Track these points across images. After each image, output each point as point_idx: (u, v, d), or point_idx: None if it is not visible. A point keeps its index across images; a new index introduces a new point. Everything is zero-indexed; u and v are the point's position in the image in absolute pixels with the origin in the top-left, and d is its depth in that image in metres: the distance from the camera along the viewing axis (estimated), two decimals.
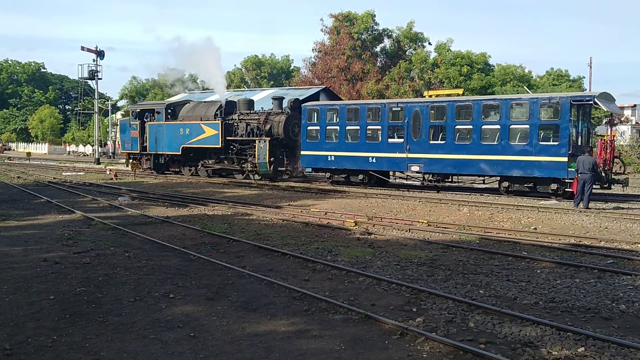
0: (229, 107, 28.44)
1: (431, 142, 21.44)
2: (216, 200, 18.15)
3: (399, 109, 22.53)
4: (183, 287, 7.79)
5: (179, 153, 29.19)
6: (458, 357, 5.33)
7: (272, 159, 25.66)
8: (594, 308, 6.93)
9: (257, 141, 26.05)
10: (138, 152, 31.32)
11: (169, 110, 30.09)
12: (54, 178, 27.75)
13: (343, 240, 11.61)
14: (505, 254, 10.09)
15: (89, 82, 53.99)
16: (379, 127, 23.01)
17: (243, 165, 27.36)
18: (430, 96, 22.94)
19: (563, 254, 10.26)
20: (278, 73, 72.40)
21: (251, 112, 27.93)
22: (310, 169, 26.07)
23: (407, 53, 56.74)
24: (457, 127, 20.88)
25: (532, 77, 61.63)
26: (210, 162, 28.73)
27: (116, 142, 61.88)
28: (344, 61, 54.32)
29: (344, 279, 8.30)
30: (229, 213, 15.59)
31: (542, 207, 16.65)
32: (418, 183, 23.48)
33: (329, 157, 24.22)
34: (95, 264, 9.10)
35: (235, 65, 78.76)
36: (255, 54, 72.77)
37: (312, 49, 59.01)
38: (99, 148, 52.95)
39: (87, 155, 67.08)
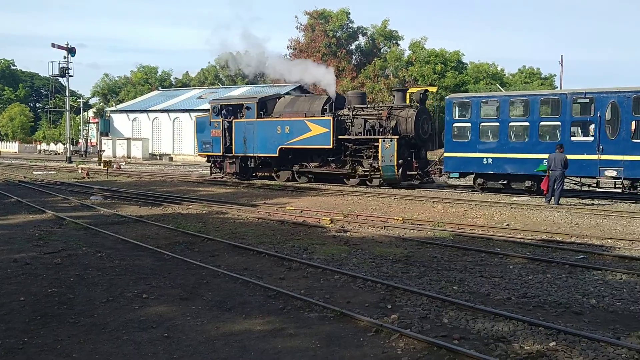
0: (338, 101, 24.57)
1: (634, 140, 17.64)
2: (190, 199, 18.01)
3: (587, 100, 18.91)
4: (157, 287, 7.72)
5: (276, 155, 24.72)
6: (432, 353, 5.37)
7: (400, 161, 21.77)
8: (565, 303, 7.04)
9: (380, 140, 22.05)
10: (221, 154, 26.48)
11: (262, 106, 25.84)
12: (25, 177, 27.27)
13: (319, 238, 11.61)
14: (479, 250, 10.21)
15: (60, 79, 53.21)
16: (558, 123, 19.10)
17: (357, 169, 23.40)
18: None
19: (535, 250, 10.41)
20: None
21: (368, 106, 24.33)
22: (457, 174, 21.53)
23: (382, 51, 56.99)
24: None
25: (505, 74, 62.44)
26: (312, 165, 24.51)
27: (88, 140, 61.10)
28: (319, 59, 54.26)
29: (320, 277, 8.31)
30: (204, 212, 15.49)
31: (514, 204, 16.88)
32: (613, 190, 19.78)
33: (484, 159, 20.12)
34: (67, 264, 8.97)
35: (209, 62, 78.09)
36: (230, 51, 72.34)
37: (287, 47, 58.98)
38: (71, 146, 52.20)
39: (59, 153, 66.03)
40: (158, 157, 50.91)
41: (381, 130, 22.46)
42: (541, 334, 5.82)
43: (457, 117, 21.15)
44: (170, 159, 49.96)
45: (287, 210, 15.65)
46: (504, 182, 19.95)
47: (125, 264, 9.06)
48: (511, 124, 20.06)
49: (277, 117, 24.98)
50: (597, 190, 19.75)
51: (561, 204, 16.54)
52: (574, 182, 19.94)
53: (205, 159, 28.81)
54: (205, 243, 11.01)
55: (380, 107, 23.65)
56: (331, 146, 23.11)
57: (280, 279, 8.26)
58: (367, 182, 22.97)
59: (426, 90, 24.67)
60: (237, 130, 25.89)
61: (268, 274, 8.56)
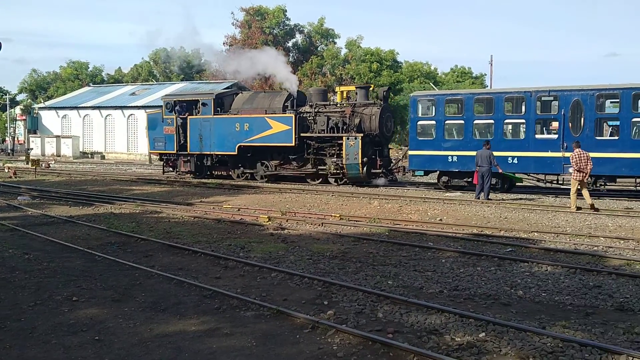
0: (299, 98, 23.89)
1: (598, 138, 18.03)
2: (124, 198, 17.55)
3: (551, 98, 19.14)
4: (87, 289, 7.50)
5: (234, 153, 23.90)
6: (367, 347, 5.46)
7: (364, 159, 21.45)
8: (494, 294, 7.30)
9: (344, 138, 21.65)
10: (175, 152, 25.41)
11: (218, 102, 24.86)
12: None
13: (256, 236, 11.57)
14: (413, 245, 10.43)
15: None
16: (522, 121, 19.45)
17: (320, 168, 22.94)
18: (348, 92, 22.54)
19: (466, 244, 10.73)
20: (188, 66, 70.81)
21: (330, 103, 23.94)
22: (422, 172, 21.45)
23: (318, 49, 57.23)
24: (636, 119, 17.79)
25: (438, 74, 63.96)
26: (272, 163, 23.81)
27: (16, 139, 58.45)
28: None
29: (257, 275, 8.28)
30: (137, 211, 15.13)
31: (447, 199, 17.34)
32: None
33: (449, 157, 20.02)
34: None
35: (143, 58, 76.28)
36: (164, 47, 70.88)
37: (224, 43, 58.29)
38: None
39: None
40: (89, 156, 49.30)
41: (345, 127, 22.09)
42: (471, 325, 6.01)
43: (421, 115, 21.07)
44: (103, 157, 48.48)
45: (224, 208, 15.50)
46: (469, 180, 19.67)
47: (55, 266, 8.75)
48: (476, 121, 20.22)
49: (235, 114, 24.22)
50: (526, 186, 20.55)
51: (491, 199, 17.11)
52: (536, 179, 20.32)
53: (158, 157, 27.66)
54: (138, 243, 10.77)
55: (343, 104, 23.34)
56: (293, 144, 22.51)
57: (216, 278, 8.18)
58: (330, 180, 22.65)
59: (389, 88, 24.54)
60: (192, 128, 24.85)
61: (204, 273, 8.46)
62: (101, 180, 25.04)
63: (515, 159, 18.94)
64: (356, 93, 23.84)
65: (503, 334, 5.74)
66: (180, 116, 25.17)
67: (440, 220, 13.65)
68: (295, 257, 9.45)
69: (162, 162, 27.29)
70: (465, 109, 20.17)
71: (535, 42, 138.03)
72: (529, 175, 20.04)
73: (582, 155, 15.35)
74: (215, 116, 24.32)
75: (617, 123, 18.22)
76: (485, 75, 62.49)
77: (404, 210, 15.33)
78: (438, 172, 20.83)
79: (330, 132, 22.29)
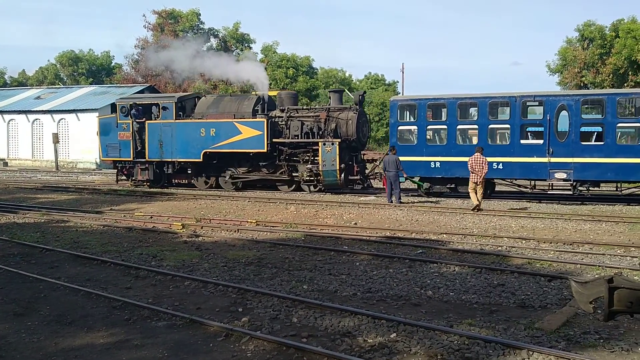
0: (264, 103, 22.81)
1: (584, 143, 18.04)
2: (27, 207, 16.65)
3: (536, 103, 19.07)
4: None
5: (199, 160, 22.53)
6: (281, 352, 5.47)
7: (342, 165, 20.61)
8: (405, 295, 7.51)
9: (320, 144, 20.76)
10: (131, 159, 23.71)
11: (180, 106, 23.32)
12: None
13: (169, 244, 11.31)
14: (328, 249, 10.55)
15: None
16: (507, 126, 19.11)
17: (293, 174, 21.99)
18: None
19: (379, 246, 10.97)
20: (98, 70, 68.34)
21: (303, 107, 23.02)
22: (402, 179, 20.23)
23: (234, 53, 56.80)
24: (620, 124, 17.89)
25: (353, 80, 65.14)
26: (240, 170, 22.69)
27: None
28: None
29: (169, 284, 8.10)
30: (43, 220, 14.41)
31: (362, 203, 17.67)
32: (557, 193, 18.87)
33: (431, 163, 19.52)
34: None
35: (48, 60, 72.84)
36: (72, 49, 68.02)
37: (135, 46, 56.75)
38: None
39: None
40: None
41: (320, 133, 21.27)
42: (383, 326, 6.15)
43: (402, 120, 20.62)
44: (5, 163, 45.73)
45: (136, 216, 15.05)
46: (452, 186, 19.61)
47: None
48: (459, 126, 19.78)
49: (200, 119, 22.82)
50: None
51: (402, 202, 17.61)
52: (518, 185, 20.02)
53: (112, 164, 25.63)
54: (43, 254, 10.26)
55: (317, 108, 22.52)
56: (265, 150, 21.45)
57: (126, 288, 7.93)
58: (303, 187, 21.84)
59: (364, 92, 23.88)
60: (151, 133, 23.23)
61: (113, 284, 8.18)
62: (3, 188, 23.60)
63: (500, 164, 18.62)
64: (329, 97, 22.93)
65: (413, 333, 5.92)
66: (138, 120, 23.48)
67: (355, 224, 13.90)
68: (209, 265, 9.32)
69: (115, 170, 25.41)
70: (448, 113, 19.76)
71: (445, 51, 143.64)
72: (512, 182, 19.81)
73: (478, 159, 16.37)
74: (178, 121, 22.89)
75: (600, 129, 18.37)
76: (398, 82, 64.31)
77: (320, 214, 15.47)
78: (418, 178, 20.23)
79: (304, 138, 21.41)
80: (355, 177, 21.31)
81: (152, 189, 22.56)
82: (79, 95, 46.52)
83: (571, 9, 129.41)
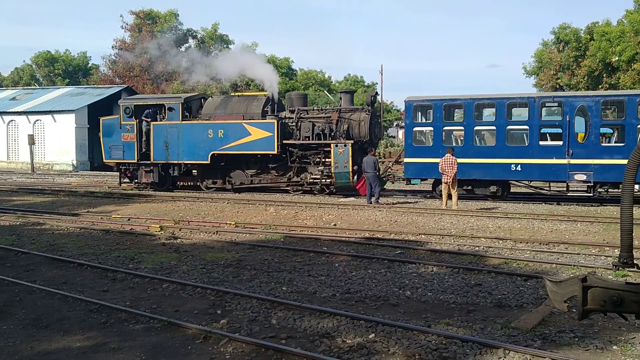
0: (274, 103, 22.49)
1: (604, 144, 18.14)
2: (2, 210, 16.38)
3: (556, 104, 19.04)
4: None
5: (207, 162, 22.10)
6: (260, 354, 5.46)
7: (355, 167, 20.23)
8: (383, 296, 7.54)
9: (332, 145, 20.44)
10: (135, 161, 23.21)
11: (186, 106, 22.88)
12: None
13: (147, 246, 11.22)
14: (307, 251, 10.55)
15: None
16: (526, 127, 18.94)
17: (305, 176, 21.62)
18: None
19: (359, 247, 11.01)
20: (74, 70, 67.56)
21: (313, 108, 22.64)
22: (418, 181, 20.49)
23: (212, 54, 56.56)
24: None
25: (332, 82, 65.26)
26: (249, 172, 22.35)
27: None
28: (146, 60, 52.48)
29: (147, 287, 8.03)
30: (18, 223, 14.20)
31: (341, 204, 17.71)
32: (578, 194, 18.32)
33: None
34: None
35: (24, 61, 71.80)
36: (48, 50, 67.12)
37: (112, 47, 56.26)
38: None
39: None
40: None
41: (331, 134, 20.97)
42: (362, 327, 6.18)
43: (417, 121, 20.28)
44: None
45: (113, 218, 14.90)
46: (468, 188, 19.29)
47: None
48: (477, 127, 19.58)
49: (207, 120, 22.36)
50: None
51: (381, 203, 17.69)
52: (534, 187, 19.94)
53: (115, 166, 24.79)
54: (19, 257, 10.11)
55: (328, 109, 22.12)
56: (275, 152, 21.05)
57: (103, 291, 7.84)
58: (314, 189, 21.43)
59: (376, 92, 23.66)
60: (156, 134, 22.72)
61: (90, 287, 8.09)
62: None
63: (519, 166, 18.38)
64: (340, 98, 22.68)
65: (391, 334, 5.95)
66: (143, 122, 23.01)
67: (335, 225, 13.92)
68: (188, 267, 9.27)
69: (119, 173, 24.72)
70: (465, 114, 19.45)
71: (423, 53, 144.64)
72: (529, 184, 19.60)
73: (448, 160, 16.79)
74: (184, 122, 22.41)
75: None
76: (377, 83, 64.60)
77: (299, 216, 15.47)
78: (434, 180, 19.95)
79: (316, 139, 21.03)
80: None
81: (130, 192, 22.33)
82: (55, 96, 45.89)
83: (547, 12, 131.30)
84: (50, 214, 15.62)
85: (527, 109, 18.80)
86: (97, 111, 41.67)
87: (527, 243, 11.27)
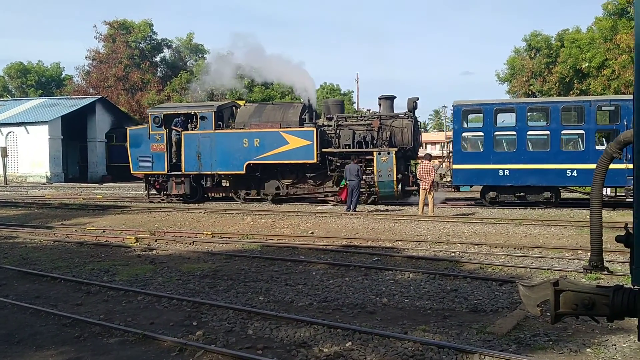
0: (311, 111, 22.10)
1: None
2: None
3: (613, 108, 18.44)
4: None
5: (242, 172, 21.46)
6: None
7: (399, 175, 19.90)
8: (360, 304, 7.55)
9: (375, 153, 19.99)
10: (165, 172, 22.46)
11: (219, 115, 22.16)
12: None
13: (122, 258, 11.08)
14: (285, 259, 10.52)
15: None
16: (581, 132, 18.63)
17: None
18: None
19: (336, 255, 11.01)
20: (47, 81, 66.69)
21: (352, 115, 22.13)
22: (468, 187, 20.32)
23: (188, 64, 56.36)
24: None
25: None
26: (285, 182, 21.77)
27: None
28: (121, 70, 52.05)
29: (122, 300, 7.93)
30: None
31: (318, 212, 17.72)
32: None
33: (500, 171, 18.80)
34: None
35: None
36: (20, 61, 66.16)
37: (86, 57, 55.68)
38: None
39: None
40: None
41: (373, 142, 20.55)
42: (339, 335, 6.17)
43: (467, 126, 19.94)
44: None
45: (88, 230, 14.72)
46: (520, 194, 19.01)
47: None
48: (530, 132, 19.19)
49: (241, 128, 21.75)
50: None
51: (358, 211, 17.74)
52: (587, 193, 19.29)
53: (143, 178, 23.94)
54: None
55: (367, 116, 21.50)
56: (315, 160, 20.55)
57: (77, 305, 7.72)
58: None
59: (418, 98, 22.82)
60: (188, 144, 22.00)
61: (63, 301, 7.96)
62: None
63: (575, 171, 17.95)
64: (379, 104, 22.06)
65: (368, 341, 5.95)
66: (174, 131, 22.29)
67: (312, 233, 13.92)
68: (163, 279, 9.17)
69: (146, 184, 23.61)
70: (517, 119, 18.92)
71: (398, 62, 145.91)
72: (584, 189, 19.07)
73: (425, 167, 16.92)
74: (218, 131, 21.72)
75: None
76: (353, 92, 64.95)
77: (276, 225, 15.44)
78: (482, 187, 19.86)
79: (356, 147, 20.55)
80: (412, 188, 20.41)
81: (105, 203, 22.05)
82: (28, 107, 45.26)
83: (519, 20, 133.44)
84: (23, 227, 15.36)
85: (583, 113, 18.36)
86: (70, 122, 41.30)
87: (502, 248, 11.38)
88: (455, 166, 19.64)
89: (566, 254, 10.60)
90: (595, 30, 42.26)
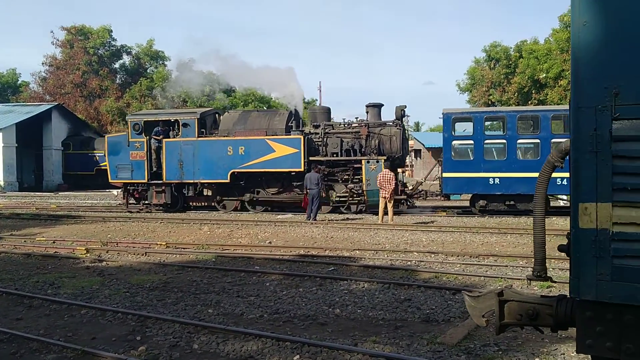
0: (298, 118, 21.62)
1: None
2: None
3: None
4: None
5: (226, 181, 20.93)
6: None
7: None
8: (312, 315, 7.39)
9: (363, 161, 19.68)
10: (145, 181, 21.75)
11: (202, 122, 21.55)
12: None
13: (70, 270, 10.70)
14: (239, 270, 10.31)
15: None
16: None
17: (331, 194, 20.57)
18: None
19: (292, 265, 10.85)
20: (3, 88, 64.81)
21: (339, 123, 21.50)
22: (458, 196, 20.06)
23: (148, 71, 55.52)
24: None
25: (272, 98, 65.04)
26: (270, 191, 21.23)
27: None
28: (79, 76, 50.97)
29: (64, 314, 7.60)
30: None
31: (278, 221, 17.52)
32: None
33: (490, 179, 18.71)
34: None
35: None
36: None
37: (43, 63, 54.34)
38: None
39: None
40: None
41: (361, 150, 20.19)
42: (287, 348, 6.00)
43: (456, 134, 19.72)
44: None
45: (37, 241, 14.21)
46: (510, 203, 18.90)
47: None
48: (520, 140, 19.12)
49: (225, 136, 21.22)
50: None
51: (317, 220, 17.61)
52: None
53: (121, 187, 23.02)
54: None
55: (355, 124, 21.12)
56: (302, 169, 19.94)
57: (17, 319, 7.38)
58: (342, 208, 20.57)
59: (405, 106, 22.48)
60: (169, 152, 21.32)
61: (3, 315, 7.60)
62: None
63: (565, 180, 17.45)
64: (367, 112, 21.64)
65: (317, 354, 5.80)
66: (154, 139, 21.61)
67: (270, 242, 13.72)
68: (110, 291, 8.86)
69: (124, 194, 22.81)
70: (508, 127, 18.91)
71: (361, 71, 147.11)
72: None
73: (386, 175, 17.04)
74: (200, 138, 21.14)
75: None
76: (316, 100, 64.94)
77: (234, 234, 15.19)
78: (472, 195, 19.81)
79: (344, 155, 20.30)
80: (401, 197, 20.12)
81: (58, 212, 21.41)
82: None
83: (479, 31, 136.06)
84: None
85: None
86: (26, 130, 40.15)
87: (457, 256, 11.39)
88: (445, 174, 19.49)
89: (521, 262, 10.65)
90: (553, 41, 43.31)
